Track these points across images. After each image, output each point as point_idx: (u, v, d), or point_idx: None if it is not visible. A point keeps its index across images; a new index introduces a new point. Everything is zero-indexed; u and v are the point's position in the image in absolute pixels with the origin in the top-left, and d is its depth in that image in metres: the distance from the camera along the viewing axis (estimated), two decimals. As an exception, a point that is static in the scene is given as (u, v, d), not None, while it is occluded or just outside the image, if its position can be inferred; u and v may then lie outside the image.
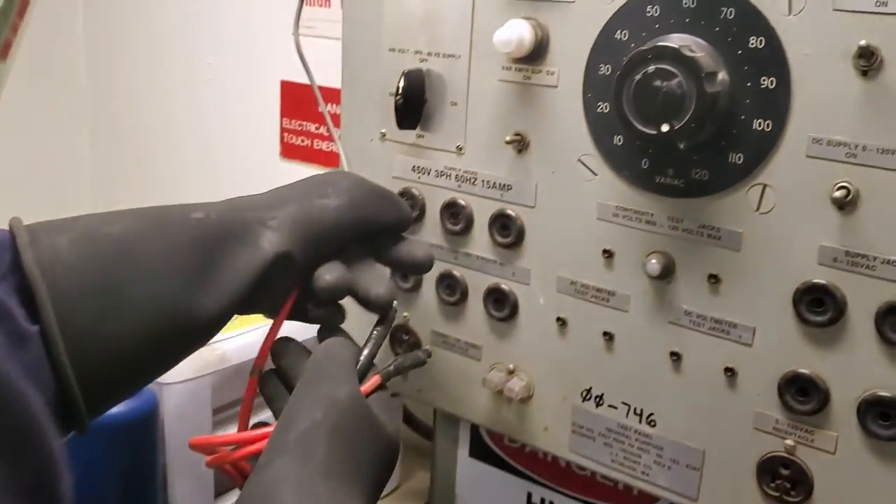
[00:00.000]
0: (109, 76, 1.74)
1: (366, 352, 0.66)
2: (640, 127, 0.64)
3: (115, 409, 0.83)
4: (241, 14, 1.43)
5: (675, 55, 0.61)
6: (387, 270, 0.72)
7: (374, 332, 0.68)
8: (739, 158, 0.65)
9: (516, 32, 0.71)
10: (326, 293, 0.65)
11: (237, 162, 1.50)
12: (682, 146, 0.65)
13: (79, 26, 1.75)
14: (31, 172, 1.77)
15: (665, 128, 0.63)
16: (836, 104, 0.60)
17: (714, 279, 0.68)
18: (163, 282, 0.58)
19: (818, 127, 0.61)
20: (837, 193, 0.60)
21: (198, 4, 1.52)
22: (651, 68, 0.62)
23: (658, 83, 0.62)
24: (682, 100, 0.61)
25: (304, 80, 0.94)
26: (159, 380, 0.83)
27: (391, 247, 0.71)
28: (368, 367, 0.65)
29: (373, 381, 0.64)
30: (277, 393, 0.67)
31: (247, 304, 0.63)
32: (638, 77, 0.63)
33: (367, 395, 0.62)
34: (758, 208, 0.65)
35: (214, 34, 1.50)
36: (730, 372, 0.68)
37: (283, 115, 1.39)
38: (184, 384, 0.91)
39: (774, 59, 0.62)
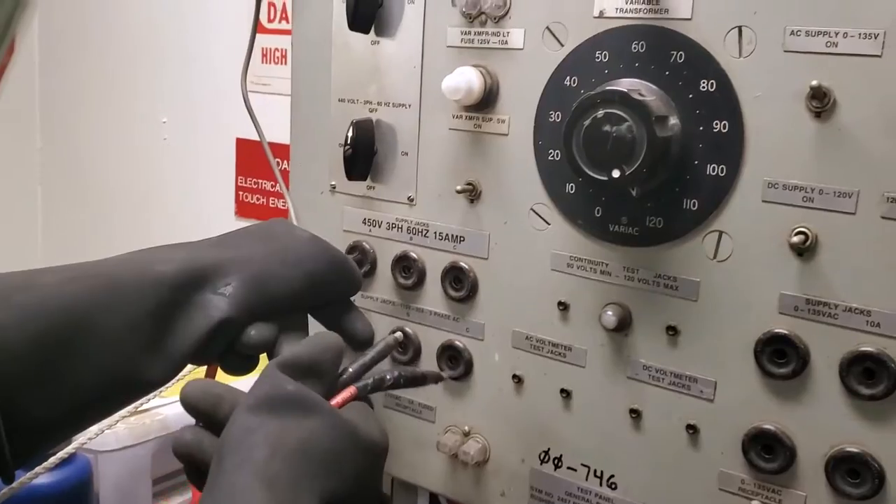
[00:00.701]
0: (65, 135, 1.71)
1: (350, 369, 0.61)
2: (591, 173, 0.62)
3: (45, 479, 0.78)
4: (196, 72, 1.42)
5: (624, 99, 0.60)
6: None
7: (366, 355, 0.63)
8: (694, 205, 0.63)
9: (465, 79, 0.69)
10: (247, 349, 0.63)
11: (192, 221, 1.46)
12: (635, 193, 0.62)
13: (35, 85, 1.72)
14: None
15: (616, 173, 0.60)
16: (791, 147, 0.58)
17: (672, 331, 0.65)
18: (113, 357, 0.58)
19: (773, 171, 0.59)
20: (795, 239, 0.58)
21: (153, 63, 1.50)
22: (600, 113, 0.61)
23: (608, 128, 0.60)
24: (632, 144, 0.59)
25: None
26: (94, 447, 0.78)
27: (335, 315, 0.69)
28: (349, 383, 0.60)
29: (348, 391, 0.59)
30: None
31: (184, 365, 0.62)
32: (587, 122, 0.61)
33: (341, 406, 0.57)
34: (714, 256, 0.62)
35: (170, 93, 1.48)
36: (692, 429, 0.65)
37: (238, 173, 1.37)
38: (121, 452, 0.86)
39: (726, 102, 0.60)
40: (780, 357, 0.60)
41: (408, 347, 0.79)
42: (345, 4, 0.75)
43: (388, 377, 0.63)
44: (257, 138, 0.90)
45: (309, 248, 0.67)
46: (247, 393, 0.56)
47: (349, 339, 0.71)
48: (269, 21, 1.28)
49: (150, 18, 1.51)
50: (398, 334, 0.68)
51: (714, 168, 0.61)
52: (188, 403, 0.58)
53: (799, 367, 0.59)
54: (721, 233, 0.62)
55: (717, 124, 0.61)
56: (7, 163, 1.76)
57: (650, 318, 0.66)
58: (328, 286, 0.68)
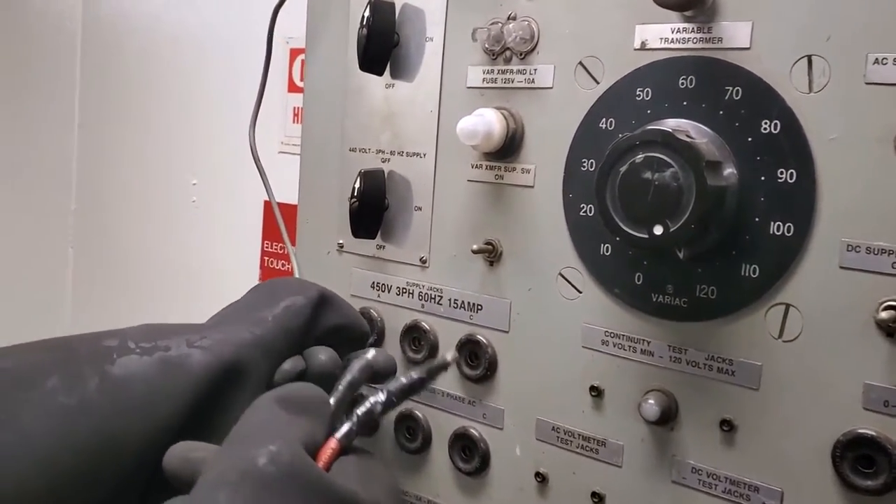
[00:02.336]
0: (98, 197, 1.67)
1: (332, 400, 0.47)
2: (628, 230, 0.51)
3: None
4: (227, 135, 1.36)
5: (668, 140, 0.49)
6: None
7: (337, 390, 0.48)
8: (754, 271, 0.51)
9: (484, 122, 0.60)
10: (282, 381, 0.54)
11: (216, 286, 1.38)
12: (682, 255, 0.52)
13: (73, 148, 1.70)
14: (13, 291, 1.70)
15: (658, 230, 0.50)
16: (875, 201, 0.47)
17: (728, 426, 0.53)
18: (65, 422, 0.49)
19: (853, 230, 0.48)
20: (884, 315, 0.46)
21: (184, 126, 1.46)
22: (639, 157, 0.50)
23: (648, 175, 0.50)
24: (678, 195, 0.49)
25: (288, 199, 0.82)
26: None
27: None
28: (326, 436, 0.45)
29: (327, 447, 0.44)
30: None
31: (199, 427, 0.52)
32: (624, 168, 0.51)
33: (328, 467, 0.43)
34: (780, 335, 0.51)
35: (201, 155, 1.43)
36: (753, 551, 0.52)
37: (264, 237, 1.29)
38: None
39: (793, 146, 0.49)
40: (867, 465, 0.48)
41: (416, 433, 0.68)
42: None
43: (376, 403, 0.46)
44: (286, 201, 0.82)
45: (297, 285, 0.59)
46: (211, 462, 0.43)
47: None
48: (302, 80, 1.23)
49: (185, 81, 1.48)
50: (372, 354, 0.52)
51: (779, 226, 0.50)
52: (168, 472, 0.47)
53: (892, 479, 0.46)
54: (788, 306, 0.50)
55: (782, 173, 0.50)
56: (41, 223, 1.73)
57: (701, 410, 0.54)
58: (314, 317, 0.58)
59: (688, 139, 0.49)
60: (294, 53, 1.24)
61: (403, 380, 0.49)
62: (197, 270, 1.44)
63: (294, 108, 1.22)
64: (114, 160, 1.63)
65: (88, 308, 1.72)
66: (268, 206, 1.27)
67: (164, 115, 1.52)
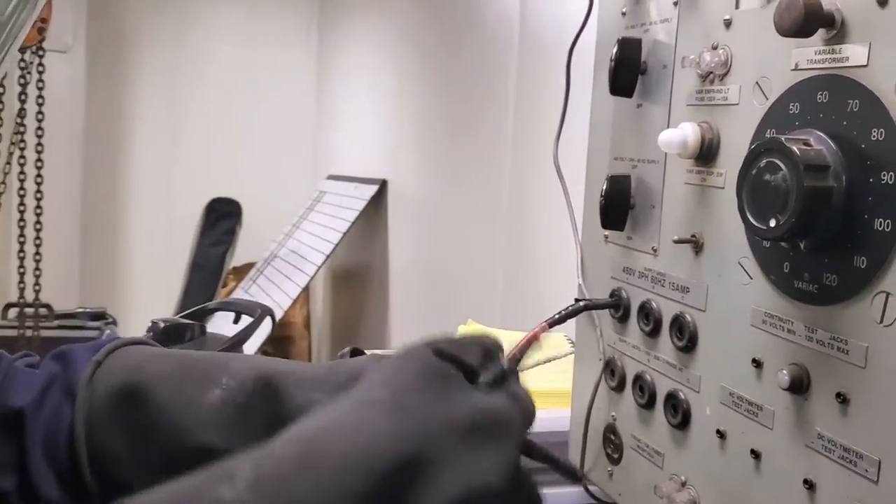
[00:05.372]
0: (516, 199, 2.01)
1: None
2: (755, 222, 0.62)
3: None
4: (566, 145, 1.60)
5: (780, 148, 0.59)
6: None
7: None
8: (863, 262, 0.58)
9: (680, 134, 0.73)
10: None
11: (539, 287, 1.60)
12: (803, 246, 0.60)
13: (506, 162, 2.06)
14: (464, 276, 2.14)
15: (773, 223, 0.60)
16: (952, 200, 0.51)
17: (841, 399, 0.59)
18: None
19: (937, 227, 0.52)
20: (947, 304, 0.51)
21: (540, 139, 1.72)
22: (763, 162, 0.61)
23: (768, 177, 0.60)
24: (786, 194, 0.58)
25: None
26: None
27: None
28: None
29: None
30: None
31: None
32: (754, 171, 0.62)
33: None
34: (881, 320, 0.56)
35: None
36: (858, 513, 0.58)
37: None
38: None
39: (894, 152, 0.55)
40: (934, 441, 0.52)
41: (644, 391, 0.83)
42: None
43: None
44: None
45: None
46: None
47: None
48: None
49: (541, 98, 1.72)
50: None
51: (881, 223, 0.56)
52: None
53: (946, 453, 0.51)
54: (888, 294, 0.56)
55: (884, 175, 0.56)
56: (483, 221, 2.13)
57: (825, 383, 0.61)
58: None
59: (797, 147, 0.58)
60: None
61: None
62: (513, 270, 1.69)
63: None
64: (508, 169, 1.97)
65: (514, 289, 2.09)
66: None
67: (532, 128, 1.79)
